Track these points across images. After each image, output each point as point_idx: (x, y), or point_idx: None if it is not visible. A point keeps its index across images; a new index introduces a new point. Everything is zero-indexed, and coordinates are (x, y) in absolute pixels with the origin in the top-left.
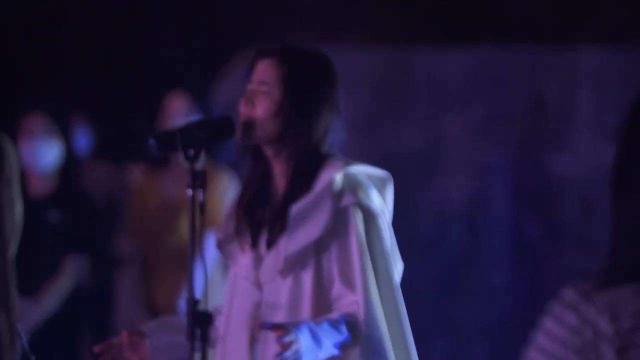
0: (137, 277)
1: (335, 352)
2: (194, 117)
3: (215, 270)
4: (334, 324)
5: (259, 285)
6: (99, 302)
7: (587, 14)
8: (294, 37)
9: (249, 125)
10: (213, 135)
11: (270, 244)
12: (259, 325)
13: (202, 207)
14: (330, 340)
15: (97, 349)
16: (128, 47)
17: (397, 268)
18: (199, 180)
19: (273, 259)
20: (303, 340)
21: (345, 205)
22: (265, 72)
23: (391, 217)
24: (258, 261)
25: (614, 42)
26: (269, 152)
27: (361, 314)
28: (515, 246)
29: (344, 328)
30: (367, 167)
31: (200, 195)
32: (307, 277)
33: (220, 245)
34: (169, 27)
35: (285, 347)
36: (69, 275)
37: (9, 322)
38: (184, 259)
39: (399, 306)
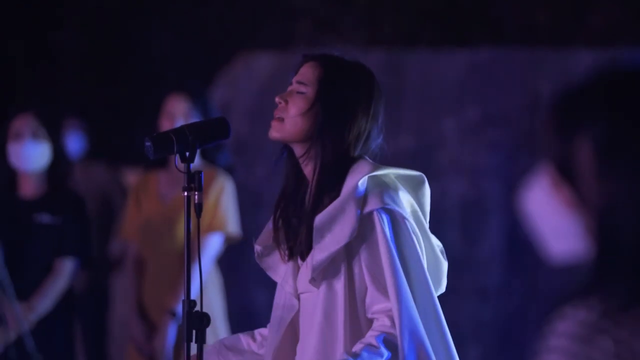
0: (132, 279)
1: None
2: (193, 119)
3: (212, 271)
4: (373, 350)
5: (297, 296)
6: (93, 303)
7: (582, 16)
8: (290, 38)
9: (279, 122)
10: (208, 136)
11: (303, 254)
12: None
13: (199, 208)
14: None
15: None
16: (126, 49)
17: (441, 269)
18: (195, 183)
19: (305, 269)
20: None
21: (370, 210)
22: (305, 73)
23: (427, 218)
24: (296, 271)
25: (609, 44)
26: (298, 152)
27: (397, 322)
28: (510, 248)
29: (383, 350)
30: (398, 169)
31: (196, 198)
32: (340, 286)
33: (259, 257)
34: (168, 28)
35: None
36: (61, 277)
37: None
38: (181, 261)
39: (436, 308)
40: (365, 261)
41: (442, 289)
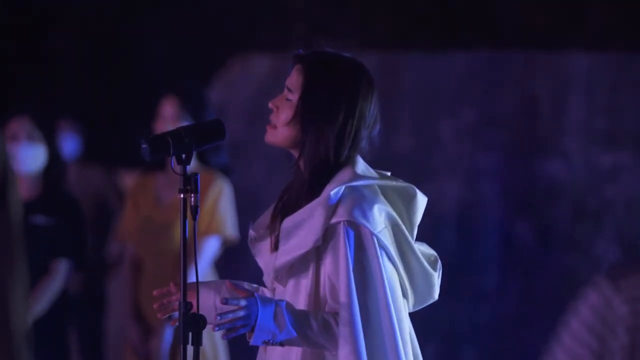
0: (129, 280)
1: (300, 343)
2: (184, 121)
3: (209, 274)
4: (305, 316)
5: (272, 289)
6: (88, 305)
7: (578, 19)
8: (286, 41)
9: (272, 128)
10: (204, 138)
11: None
12: (229, 284)
13: (194, 211)
14: (295, 329)
15: None
16: (122, 51)
17: (431, 281)
18: (191, 185)
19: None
20: (261, 314)
21: (336, 221)
22: (293, 77)
23: (415, 231)
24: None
25: (605, 47)
26: (295, 156)
27: (343, 324)
28: (506, 250)
29: (315, 324)
30: (386, 180)
31: (192, 200)
32: (306, 284)
33: (251, 242)
34: (164, 31)
35: (229, 308)
36: (55, 279)
37: (22, 295)
38: (178, 263)
39: (392, 323)
40: (328, 270)
41: (434, 297)
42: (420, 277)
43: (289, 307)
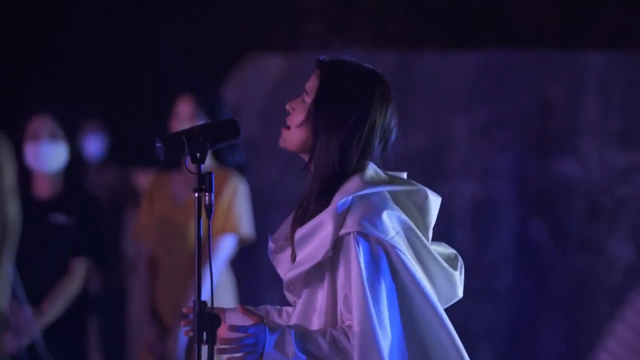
0: (145, 279)
1: None
2: (200, 120)
3: (224, 273)
4: (314, 338)
5: (293, 301)
6: (107, 304)
7: (593, 18)
8: (300, 40)
9: (286, 131)
10: (218, 137)
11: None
12: (241, 308)
13: (209, 210)
14: (304, 353)
15: None
16: (137, 51)
17: (452, 279)
18: (206, 184)
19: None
20: (268, 342)
21: (345, 232)
22: (311, 81)
23: (430, 233)
24: None
25: (620, 47)
26: (306, 160)
27: (354, 338)
28: (521, 250)
29: (324, 344)
30: (395, 185)
31: (206, 199)
32: (322, 296)
33: (271, 254)
34: (178, 30)
35: (234, 334)
36: (76, 278)
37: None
38: (193, 263)
39: (444, 321)
40: (341, 282)
41: (458, 295)
42: (440, 278)
43: (298, 331)
